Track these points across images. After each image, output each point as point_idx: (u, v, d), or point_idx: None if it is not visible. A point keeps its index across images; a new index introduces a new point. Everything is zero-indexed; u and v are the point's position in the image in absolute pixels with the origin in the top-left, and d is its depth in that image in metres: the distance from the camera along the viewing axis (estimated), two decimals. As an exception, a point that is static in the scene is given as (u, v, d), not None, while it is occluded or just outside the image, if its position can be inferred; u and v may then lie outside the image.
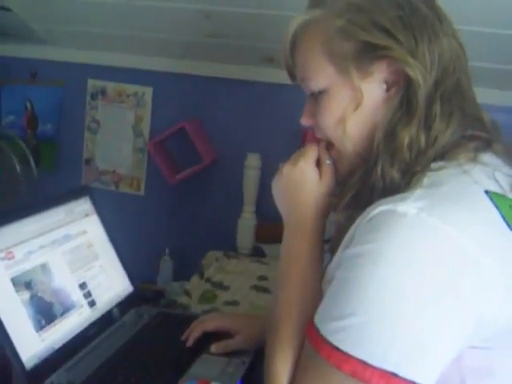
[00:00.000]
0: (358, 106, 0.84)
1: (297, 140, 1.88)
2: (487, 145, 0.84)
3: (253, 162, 2.03)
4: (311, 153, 0.94)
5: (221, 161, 2.17)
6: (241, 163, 2.04)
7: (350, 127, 0.85)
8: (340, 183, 0.93)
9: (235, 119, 2.13)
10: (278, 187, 0.96)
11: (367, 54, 0.82)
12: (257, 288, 1.70)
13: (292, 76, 0.95)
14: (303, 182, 0.92)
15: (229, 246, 2.03)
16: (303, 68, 0.89)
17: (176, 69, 2.14)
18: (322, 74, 0.86)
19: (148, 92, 2.20)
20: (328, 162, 0.93)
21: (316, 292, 0.86)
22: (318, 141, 0.94)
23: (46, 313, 1.07)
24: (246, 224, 2.06)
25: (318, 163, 0.93)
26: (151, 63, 2.16)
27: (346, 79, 0.84)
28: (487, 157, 0.82)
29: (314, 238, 0.91)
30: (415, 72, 0.80)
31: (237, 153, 2.07)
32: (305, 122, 0.94)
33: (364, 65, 0.82)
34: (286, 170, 0.94)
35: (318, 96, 0.88)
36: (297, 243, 0.91)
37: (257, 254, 2.03)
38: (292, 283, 0.89)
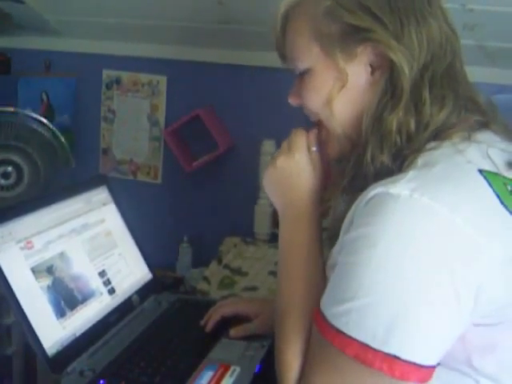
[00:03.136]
0: (342, 86, 0.84)
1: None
2: (483, 125, 0.83)
3: (268, 148, 2.01)
4: (303, 142, 0.95)
5: (236, 147, 2.16)
6: (256, 149, 2.03)
7: (336, 108, 0.85)
8: (330, 165, 0.94)
9: (250, 106, 2.13)
10: (271, 180, 0.96)
11: (352, 36, 0.82)
12: (275, 273, 1.70)
13: (282, 57, 0.95)
14: (300, 174, 0.93)
15: (246, 233, 2.04)
16: (291, 47, 0.90)
17: (190, 56, 2.14)
18: (307, 54, 0.86)
19: (162, 81, 2.20)
20: (314, 148, 0.94)
21: (319, 280, 0.87)
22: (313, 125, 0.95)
23: (66, 301, 1.08)
24: (263, 210, 2.05)
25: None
26: (165, 52, 2.15)
27: (330, 60, 0.84)
28: (483, 135, 0.81)
29: (314, 226, 0.92)
30: (398, 55, 0.79)
31: (252, 139, 2.06)
32: (291, 100, 0.95)
33: (349, 47, 0.83)
34: (281, 162, 0.94)
35: (304, 75, 0.89)
36: (297, 233, 0.92)
37: (274, 239, 2.03)
38: (296, 274, 0.90)
